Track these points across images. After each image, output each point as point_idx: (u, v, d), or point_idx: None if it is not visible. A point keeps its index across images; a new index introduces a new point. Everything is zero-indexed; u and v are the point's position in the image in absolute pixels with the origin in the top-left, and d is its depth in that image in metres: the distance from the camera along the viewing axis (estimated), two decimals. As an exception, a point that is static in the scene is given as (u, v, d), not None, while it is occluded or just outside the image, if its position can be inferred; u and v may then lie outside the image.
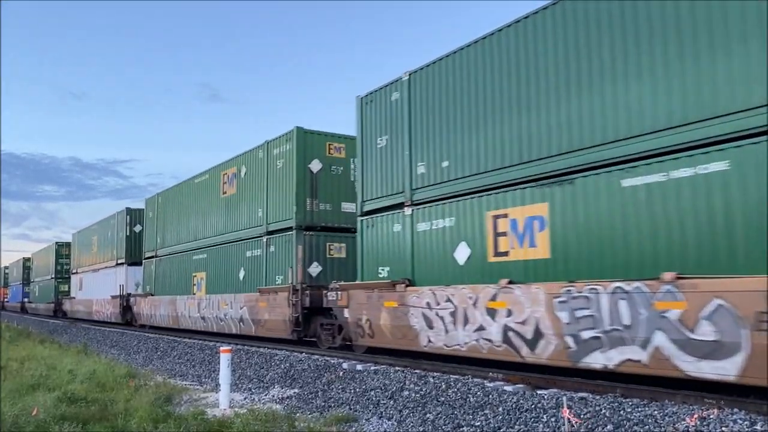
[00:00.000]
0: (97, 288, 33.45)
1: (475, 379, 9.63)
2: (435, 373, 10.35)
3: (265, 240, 17.40)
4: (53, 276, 45.05)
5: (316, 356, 13.63)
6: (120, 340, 23.34)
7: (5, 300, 71.69)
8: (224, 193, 20.31)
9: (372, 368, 11.31)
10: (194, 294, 21.76)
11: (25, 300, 57.75)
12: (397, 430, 7.97)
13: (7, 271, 73.08)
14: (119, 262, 30.22)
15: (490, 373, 10.02)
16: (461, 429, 7.59)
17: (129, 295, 28.68)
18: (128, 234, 29.66)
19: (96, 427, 7.98)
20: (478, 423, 7.62)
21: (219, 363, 10.40)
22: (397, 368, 11.18)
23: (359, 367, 11.56)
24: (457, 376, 9.95)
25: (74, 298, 38.93)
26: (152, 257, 26.35)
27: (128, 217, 30.06)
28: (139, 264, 28.45)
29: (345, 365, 11.83)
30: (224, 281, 19.68)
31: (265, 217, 17.48)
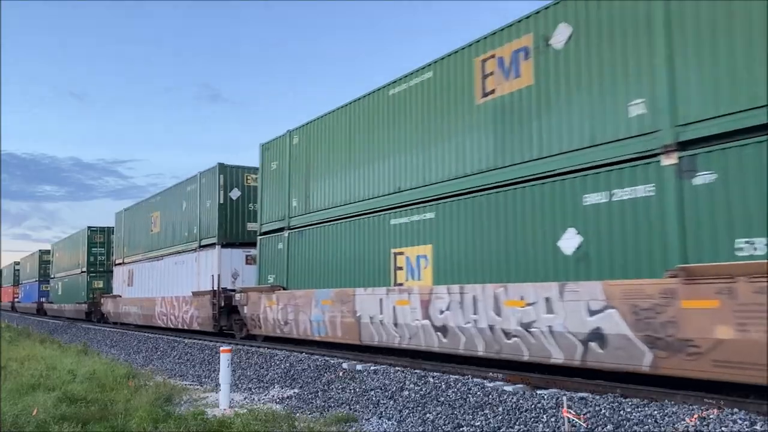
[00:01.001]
0: (163, 282, 24.42)
1: (475, 379, 9.62)
2: (435, 373, 10.35)
3: (676, 161, 7.81)
4: (84, 269, 35.79)
5: (316, 356, 13.63)
6: (120, 340, 23.34)
7: (16, 300, 62.20)
8: (488, 94, 10.57)
9: (372, 368, 11.31)
10: (400, 285, 12.04)
11: (43, 300, 48.69)
12: (397, 430, 7.98)
13: (17, 267, 63.30)
14: (206, 243, 20.86)
15: (490, 373, 10.01)
16: (461, 429, 7.60)
17: (229, 290, 19.49)
18: (221, 202, 20.05)
19: (96, 427, 7.98)
20: (478, 423, 7.63)
21: (219, 363, 10.40)
22: (397, 368, 11.18)
23: (359, 367, 11.56)
24: (457, 376, 9.95)
25: (119, 296, 29.81)
26: (278, 231, 16.86)
27: (221, 177, 20.24)
28: (238, 245, 20.14)
29: (345, 365, 11.83)
30: (505, 259, 9.94)
31: (669, 114, 7.93)
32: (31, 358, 15.51)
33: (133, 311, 27.30)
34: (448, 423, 7.83)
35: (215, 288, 19.61)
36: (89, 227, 36.17)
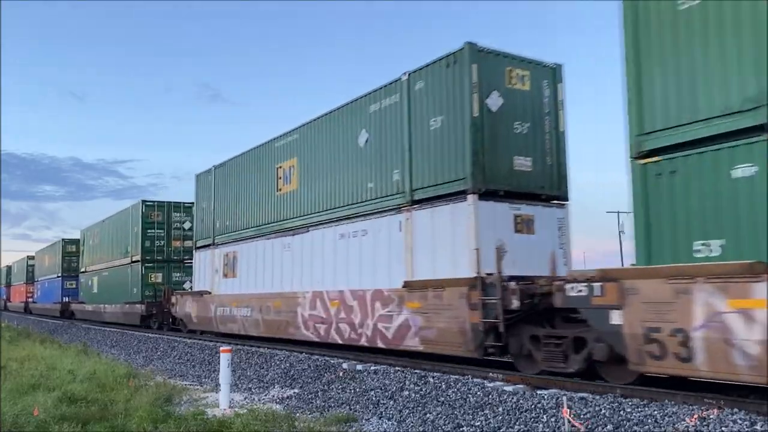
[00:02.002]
0: (310, 269, 15.14)
1: (475, 379, 9.62)
2: (435, 373, 10.35)
3: None
4: (138, 258, 27.17)
5: (316, 356, 13.63)
6: (120, 340, 23.33)
7: (30, 300, 53.33)
8: None
9: (372, 368, 11.31)
10: None
11: (68, 299, 40.21)
12: (397, 430, 7.98)
13: (32, 262, 53.91)
14: (429, 195, 11.85)
15: (490, 373, 10.01)
16: (461, 429, 7.60)
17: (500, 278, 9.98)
18: (475, 115, 11.02)
19: (96, 427, 7.99)
20: (478, 423, 7.63)
21: (219, 363, 10.40)
22: (397, 368, 11.18)
23: (359, 367, 11.56)
24: (457, 376, 9.95)
25: (208, 293, 20.19)
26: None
27: (474, 69, 11.12)
28: (502, 196, 11.26)
29: (345, 365, 11.83)
30: None
31: None
32: (31, 358, 15.51)
33: (242, 315, 17.72)
34: (448, 423, 7.82)
35: (486, 274, 10.30)
36: (144, 201, 27.22)
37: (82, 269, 37.45)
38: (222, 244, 19.90)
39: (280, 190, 16.76)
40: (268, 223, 17.23)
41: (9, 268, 66.08)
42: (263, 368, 13.19)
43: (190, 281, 25.20)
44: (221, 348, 10.17)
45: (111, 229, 31.69)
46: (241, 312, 17.89)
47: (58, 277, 42.35)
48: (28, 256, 55.64)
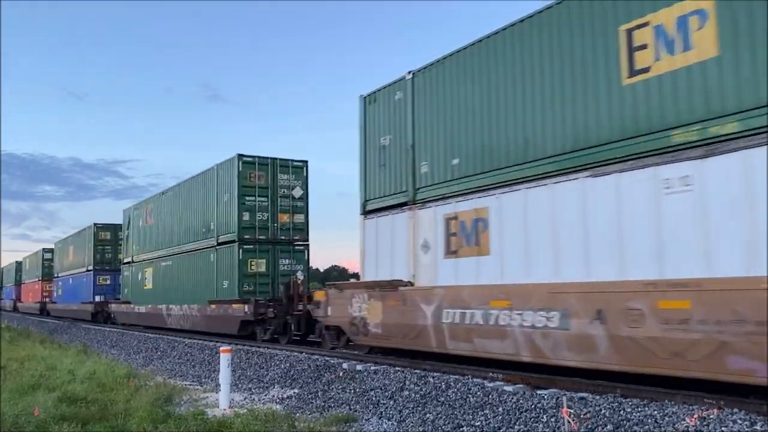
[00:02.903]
0: None
1: (475, 379, 9.62)
2: (435, 373, 10.35)
3: None
4: (231, 239, 19.00)
5: (316, 356, 13.63)
6: (120, 339, 23.34)
7: (46, 300, 46.09)
8: None
9: (372, 368, 11.31)
10: None
11: (102, 298, 33.06)
12: (397, 430, 7.98)
13: (48, 255, 46.38)
14: None
15: (490, 373, 10.01)
16: (461, 429, 7.60)
17: None
18: None
19: (96, 427, 7.99)
20: (478, 423, 7.63)
21: (219, 363, 10.41)
22: (397, 368, 11.17)
23: (359, 367, 11.56)
24: (457, 376, 9.95)
25: (405, 284, 11.86)
26: None
27: None
28: None
29: (345, 365, 11.83)
30: None
31: None
32: (31, 358, 15.52)
33: (525, 325, 9.35)
34: (448, 423, 7.83)
35: None
36: (241, 156, 18.77)
37: (126, 259, 29.07)
38: (437, 200, 11.54)
39: (644, 71, 8.10)
40: (599, 145, 8.66)
41: (19, 264, 58.99)
42: (263, 368, 13.19)
43: (302, 271, 19.07)
44: (221, 348, 10.19)
45: (178, 201, 23.27)
46: (521, 320, 9.51)
47: (89, 271, 33.79)
48: (44, 249, 47.87)
